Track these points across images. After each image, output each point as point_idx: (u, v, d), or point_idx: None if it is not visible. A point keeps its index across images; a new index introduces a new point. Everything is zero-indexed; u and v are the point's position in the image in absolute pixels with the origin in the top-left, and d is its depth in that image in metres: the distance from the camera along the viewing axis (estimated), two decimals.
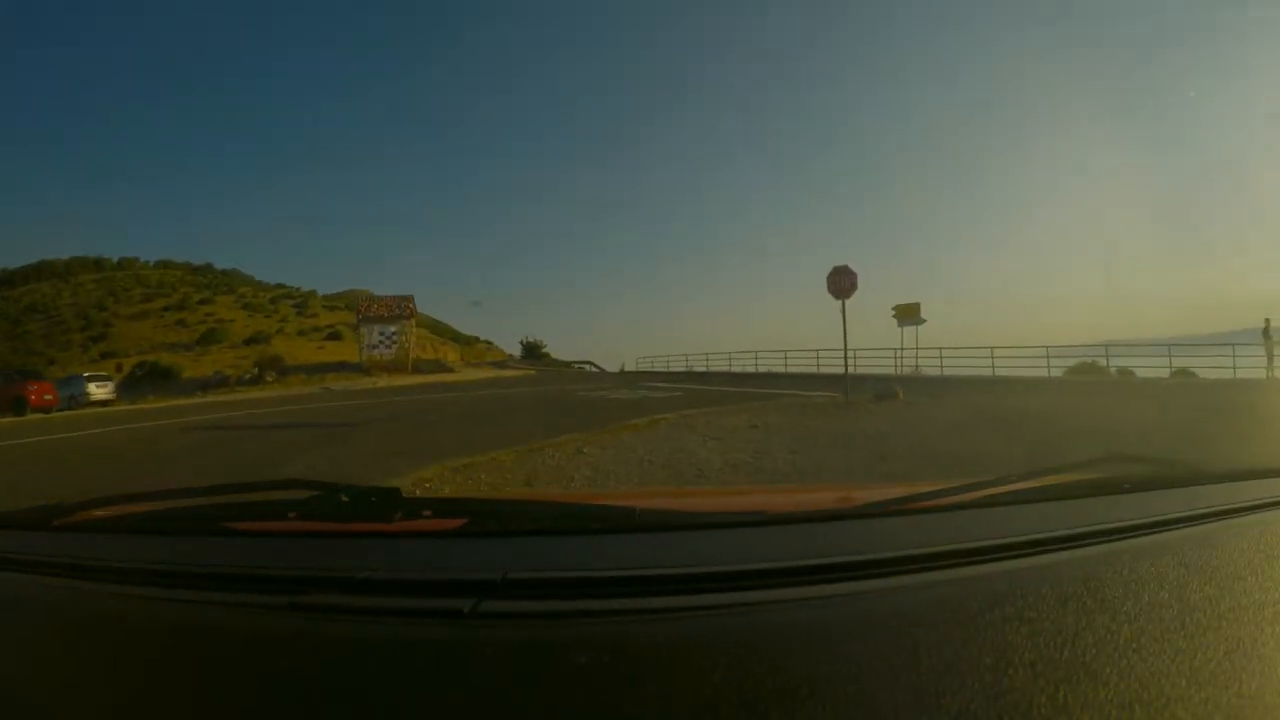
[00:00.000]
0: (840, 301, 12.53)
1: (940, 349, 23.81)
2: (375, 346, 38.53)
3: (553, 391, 19.50)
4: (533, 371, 37.87)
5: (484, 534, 0.85)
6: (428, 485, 5.59)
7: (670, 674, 0.49)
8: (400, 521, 0.84)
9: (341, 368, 37.06)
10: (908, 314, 23.87)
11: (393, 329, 38.91)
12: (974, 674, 0.48)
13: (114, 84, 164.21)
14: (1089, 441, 6.86)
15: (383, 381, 29.32)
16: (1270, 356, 17.91)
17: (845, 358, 13.72)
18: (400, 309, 39.53)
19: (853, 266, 12.51)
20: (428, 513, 0.87)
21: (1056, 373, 21.20)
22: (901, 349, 24.03)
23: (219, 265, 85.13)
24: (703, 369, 33.39)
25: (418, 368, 36.81)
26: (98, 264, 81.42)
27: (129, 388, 32.37)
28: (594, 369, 40.00)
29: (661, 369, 36.23)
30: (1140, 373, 20.51)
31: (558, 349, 49.90)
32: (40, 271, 78.64)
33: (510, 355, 54.15)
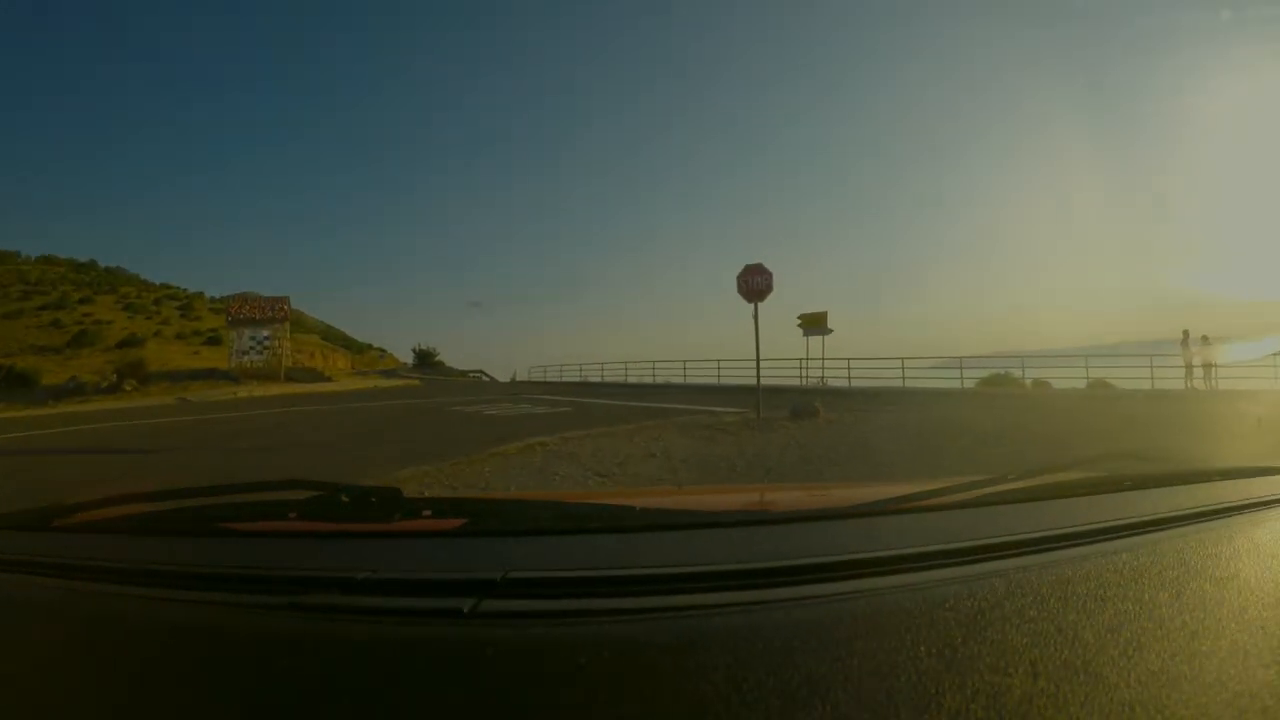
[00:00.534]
0: (753, 305, 10.78)
1: (848, 360, 22.79)
2: (246, 352, 34.93)
3: (427, 406, 17.71)
4: (417, 382, 35.53)
5: (484, 534, 0.86)
6: None
7: (670, 674, 0.49)
8: (400, 521, 0.84)
9: (211, 375, 32.89)
10: (814, 323, 22.67)
11: (265, 333, 35.39)
12: (974, 674, 0.48)
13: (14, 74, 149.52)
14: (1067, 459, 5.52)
15: (246, 392, 26.45)
16: (1188, 367, 17.90)
17: (758, 368, 11.54)
18: (274, 311, 35.73)
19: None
20: (428, 513, 0.87)
21: (969, 384, 20.72)
22: (807, 360, 22.82)
23: (104, 263, 77.71)
24: (598, 379, 32.00)
25: (291, 376, 33.21)
26: None
27: None
28: (485, 378, 38.47)
29: (555, 379, 34.79)
30: (1057, 384, 20.23)
31: (454, 357, 48.14)
32: None
33: (404, 364, 51.92)
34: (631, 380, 29.97)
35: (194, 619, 0.64)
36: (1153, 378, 18.68)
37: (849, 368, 22.37)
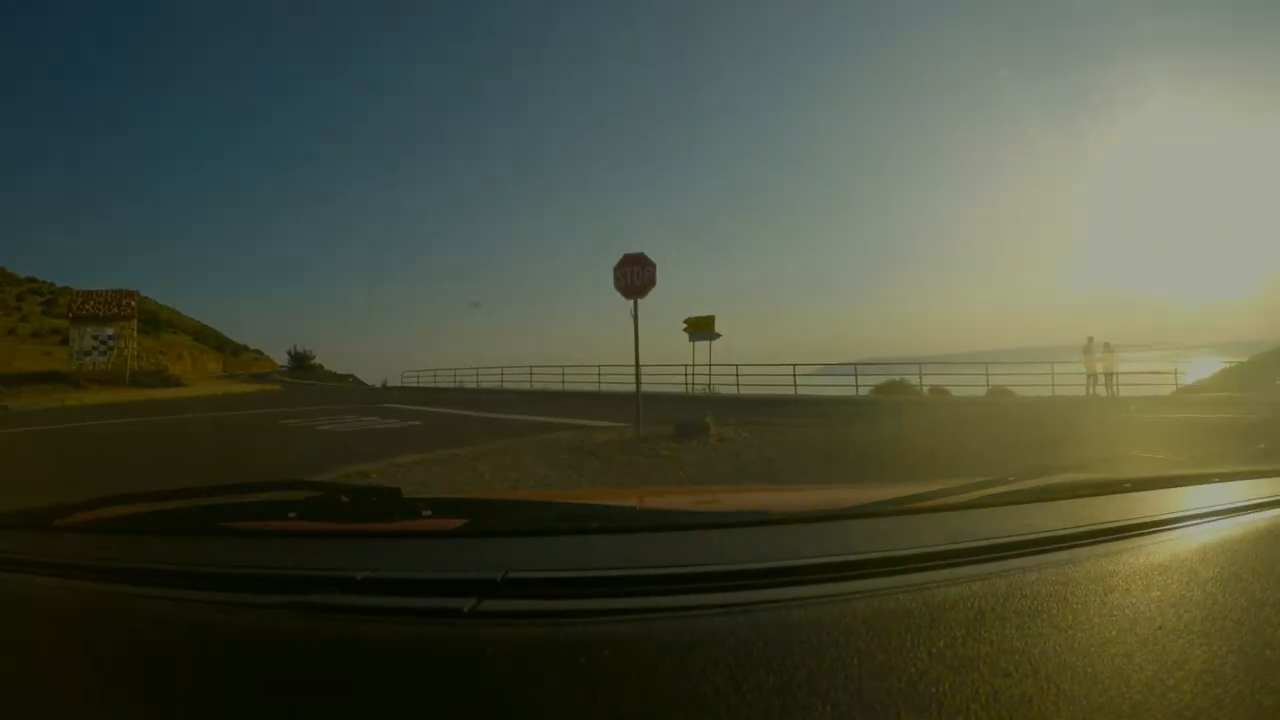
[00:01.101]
0: (632, 302, 8.72)
1: (736, 366, 21.58)
2: (89, 353, 31.56)
3: (265, 417, 15.89)
4: (279, 387, 32.72)
5: (484, 534, 0.86)
6: None
7: (670, 674, 0.49)
8: (400, 521, 0.84)
9: (52, 379, 29.21)
10: (701, 328, 20.75)
11: (109, 332, 32.01)
12: (974, 674, 0.49)
13: None
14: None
15: (77, 399, 23.20)
16: (1091, 374, 17.71)
17: (638, 375, 9.34)
18: (120, 307, 32.19)
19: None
20: (428, 512, 0.87)
21: (864, 391, 20.08)
22: (694, 366, 21.24)
23: None
24: (474, 385, 30.34)
25: (138, 380, 29.95)
26: None
27: None
28: (353, 383, 35.94)
29: (429, 384, 32.70)
30: (956, 392, 19.70)
31: (333, 360, 45.33)
32: None
33: (280, 366, 48.71)
34: (507, 386, 28.35)
35: (194, 619, 0.63)
36: (1053, 385, 18.47)
37: (738, 374, 21.28)
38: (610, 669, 0.49)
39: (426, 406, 17.73)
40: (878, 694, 0.46)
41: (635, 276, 8.73)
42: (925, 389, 20.11)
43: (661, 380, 21.31)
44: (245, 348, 59.53)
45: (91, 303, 32.38)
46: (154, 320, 50.25)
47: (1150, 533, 0.79)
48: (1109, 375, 17.53)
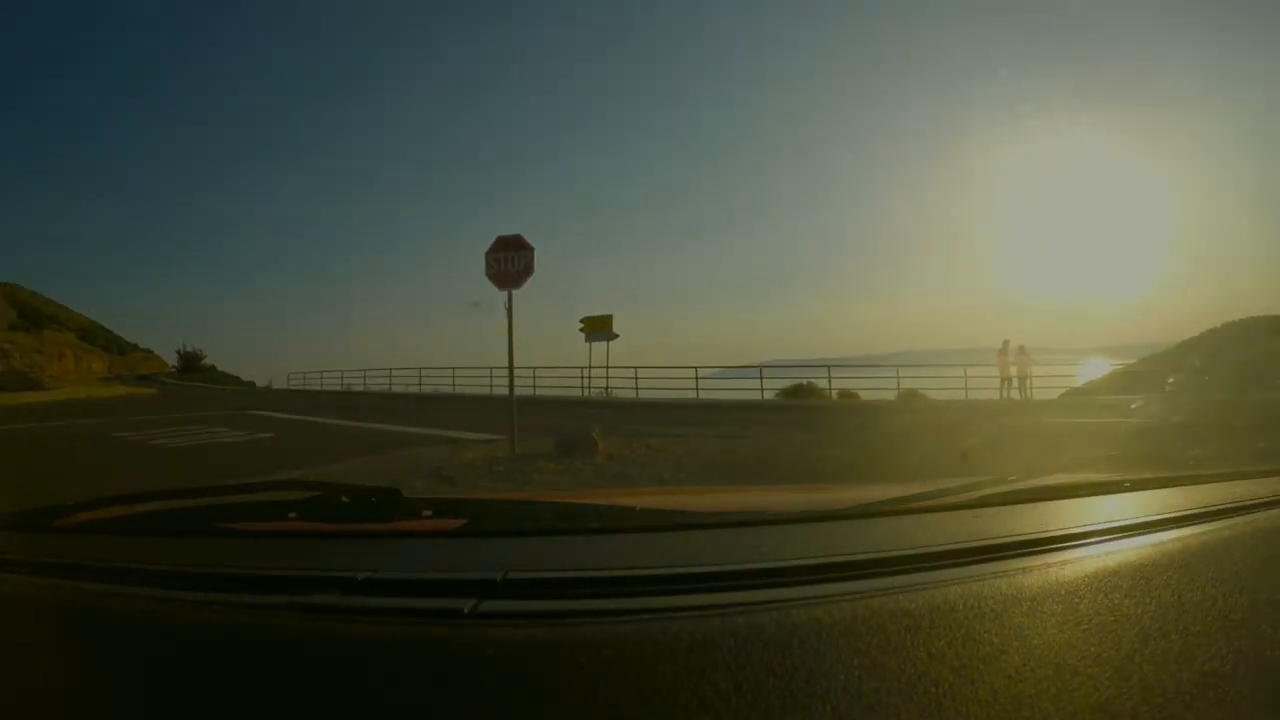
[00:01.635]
0: (506, 293, 7.50)
1: (636, 368, 20.60)
2: None
3: (103, 427, 14.26)
4: (152, 391, 30.63)
5: (484, 534, 0.86)
6: None
7: (670, 674, 0.49)
8: (400, 522, 0.84)
9: None
10: (598, 327, 19.82)
11: None
12: (974, 673, 0.49)
13: None
14: None
15: None
16: (1006, 377, 17.31)
17: (511, 381, 8.15)
18: None
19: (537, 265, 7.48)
20: (428, 513, 0.87)
21: (770, 395, 19.39)
22: (590, 368, 20.14)
23: None
24: (361, 387, 28.88)
25: None
26: None
27: None
28: (237, 387, 34.80)
29: (315, 387, 31.44)
30: (865, 395, 19.03)
31: (228, 361, 42.89)
32: None
33: (171, 367, 45.75)
34: (396, 389, 26.80)
35: (194, 619, 0.63)
36: (966, 388, 18.12)
37: (637, 377, 20.28)
38: (611, 669, 0.49)
39: (293, 414, 16.48)
40: (878, 694, 0.46)
41: (509, 263, 7.48)
42: (833, 393, 19.36)
43: (556, 383, 20.91)
44: (135, 346, 55.50)
45: None
46: (35, 316, 46.52)
47: (1149, 532, 0.78)
48: (1023, 378, 17.34)
